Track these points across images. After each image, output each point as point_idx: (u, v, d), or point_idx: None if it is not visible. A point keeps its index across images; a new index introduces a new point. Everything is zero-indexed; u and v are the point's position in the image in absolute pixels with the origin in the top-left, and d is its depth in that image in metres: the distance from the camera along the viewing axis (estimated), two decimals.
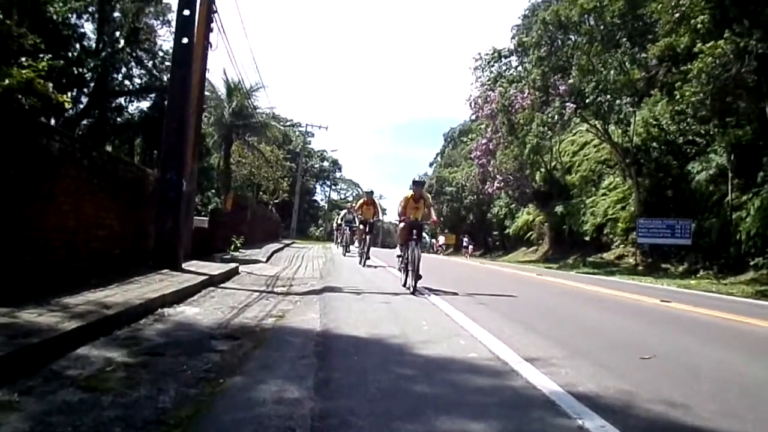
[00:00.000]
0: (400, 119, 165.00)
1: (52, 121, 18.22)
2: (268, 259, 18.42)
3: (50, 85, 11.15)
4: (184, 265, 10.37)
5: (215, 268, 10.92)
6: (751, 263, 20.16)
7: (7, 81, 9.58)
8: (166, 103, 13.04)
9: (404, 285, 9.67)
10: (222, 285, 9.65)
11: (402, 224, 10.10)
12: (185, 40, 10.48)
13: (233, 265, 12.10)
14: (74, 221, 7.33)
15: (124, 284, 7.42)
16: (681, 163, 25.18)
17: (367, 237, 15.87)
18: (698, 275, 21.10)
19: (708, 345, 6.04)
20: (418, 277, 9.14)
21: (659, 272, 22.67)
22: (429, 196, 11.06)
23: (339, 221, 24.50)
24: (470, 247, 45.90)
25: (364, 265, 15.00)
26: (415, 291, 8.91)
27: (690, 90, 18.46)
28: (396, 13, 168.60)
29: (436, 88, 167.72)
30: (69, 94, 18.54)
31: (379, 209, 17.49)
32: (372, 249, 20.59)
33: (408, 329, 5.70)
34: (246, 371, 4.14)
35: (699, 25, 17.44)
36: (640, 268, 24.47)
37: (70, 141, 7.25)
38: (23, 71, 10.14)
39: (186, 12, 10.54)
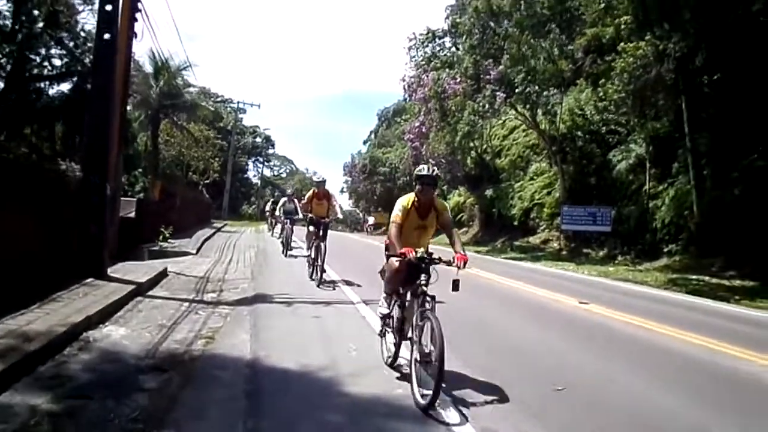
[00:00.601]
0: (333, 92, 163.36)
1: None
2: (198, 250, 18.17)
3: None
4: (110, 270, 10.12)
5: (142, 273, 10.69)
6: (665, 250, 21.42)
7: None
8: (88, 90, 12.52)
9: (391, 365, 5.57)
10: (150, 293, 9.49)
11: (395, 260, 5.33)
12: (107, 36, 10.02)
13: (160, 267, 11.85)
14: None
15: (46, 303, 7.20)
16: (603, 152, 26.30)
17: (322, 245, 11.43)
18: (617, 261, 22.23)
19: (622, 367, 6.35)
20: (440, 379, 4.38)
21: (581, 257, 23.76)
22: (446, 204, 5.96)
23: (277, 209, 19.08)
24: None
25: (319, 284, 11.07)
26: (429, 407, 4.42)
27: (612, 88, 19.24)
28: None
29: (369, 60, 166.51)
30: None
31: (337, 204, 13.01)
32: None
33: (338, 356, 5.83)
34: (174, 421, 4.17)
35: (623, 25, 18.13)
36: (564, 253, 25.53)
37: None
38: None
39: (108, 7, 10.06)
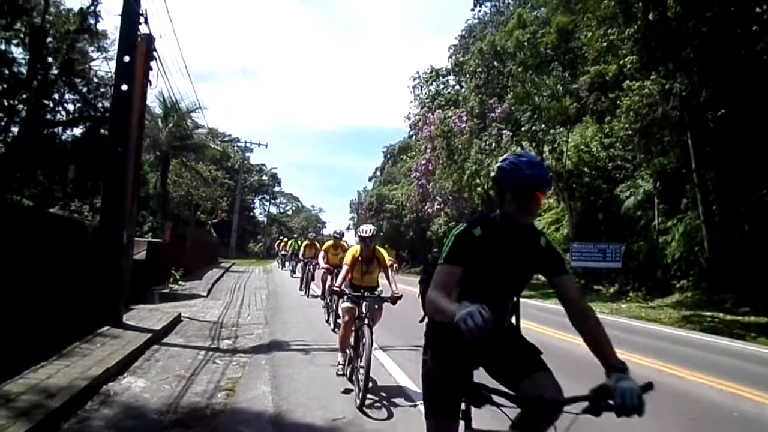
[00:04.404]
0: (338, 129, 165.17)
1: None
2: (209, 292, 18.16)
3: None
4: (125, 318, 10.14)
5: (157, 320, 10.70)
6: (677, 286, 21.29)
7: None
8: (105, 138, 12.67)
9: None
10: (166, 340, 9.48)
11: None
12: (125, 87, 10.25)
13: (174, 312, 11.86)
14: (11, 291, 7.06)
15: (65, 354, 7.21)
16: (611, 188, 26.34)
17: (367, 331, 6.21)
18: (628, 297, 22.06)
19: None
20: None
21: (592, 294, 23.57)
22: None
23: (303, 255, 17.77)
24: (395, 265, 46.63)
25: (362, 405, 5.79)
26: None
27: (619, 125, 19.41)
28: (332, 26, 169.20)
29: (374, 97, 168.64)
30: None
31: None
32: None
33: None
34: None
35: (628, 65, 18.38)
36: None
37: (2, 208, 7.00)
38: None
39: (126, 58, 10.32)
